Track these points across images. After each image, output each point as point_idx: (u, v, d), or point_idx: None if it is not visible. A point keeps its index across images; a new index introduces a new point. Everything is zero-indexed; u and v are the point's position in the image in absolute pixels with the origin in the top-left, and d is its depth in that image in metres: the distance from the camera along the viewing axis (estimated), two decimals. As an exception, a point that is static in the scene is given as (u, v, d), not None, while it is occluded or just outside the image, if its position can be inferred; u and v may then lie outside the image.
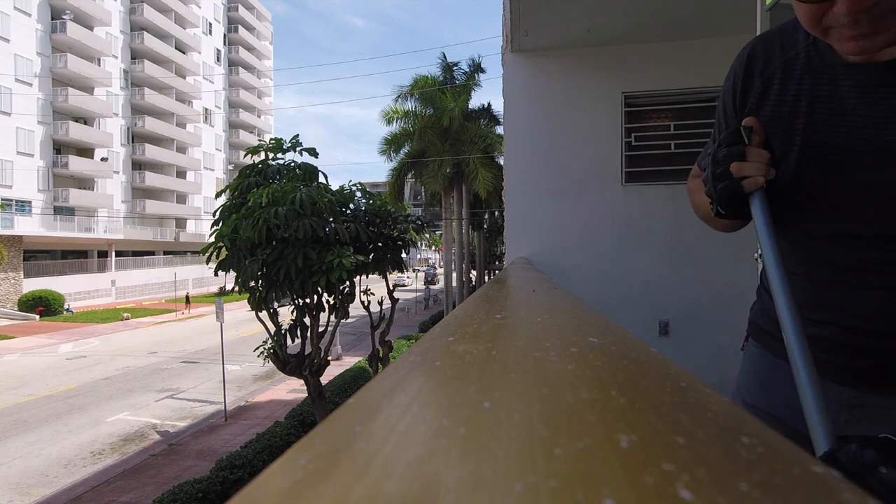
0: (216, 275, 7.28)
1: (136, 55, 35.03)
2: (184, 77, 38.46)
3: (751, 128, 0.75)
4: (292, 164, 7.45)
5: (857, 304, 0.77)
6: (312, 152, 7.56)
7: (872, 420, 0.79)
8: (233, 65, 46.22)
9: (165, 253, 36.81)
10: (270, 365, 8.07)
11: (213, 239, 6.71)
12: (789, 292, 0.71)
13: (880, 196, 0.70)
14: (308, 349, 7.51)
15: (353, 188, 7.79)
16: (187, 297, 28.79)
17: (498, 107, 20.37)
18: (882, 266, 0.73)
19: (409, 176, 20.54)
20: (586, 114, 3.31)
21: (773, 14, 1.61)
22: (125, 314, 25.33)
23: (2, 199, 25.04)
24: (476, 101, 21.57)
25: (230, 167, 43.82)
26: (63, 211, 28.78)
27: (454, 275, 21.70)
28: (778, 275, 0.73)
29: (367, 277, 7.92)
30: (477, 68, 20.25)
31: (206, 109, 41.59)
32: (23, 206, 26.78)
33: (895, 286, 0.72)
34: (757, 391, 0.98)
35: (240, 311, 22.33)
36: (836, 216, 0.76)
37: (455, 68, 20.50)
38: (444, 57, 20.83)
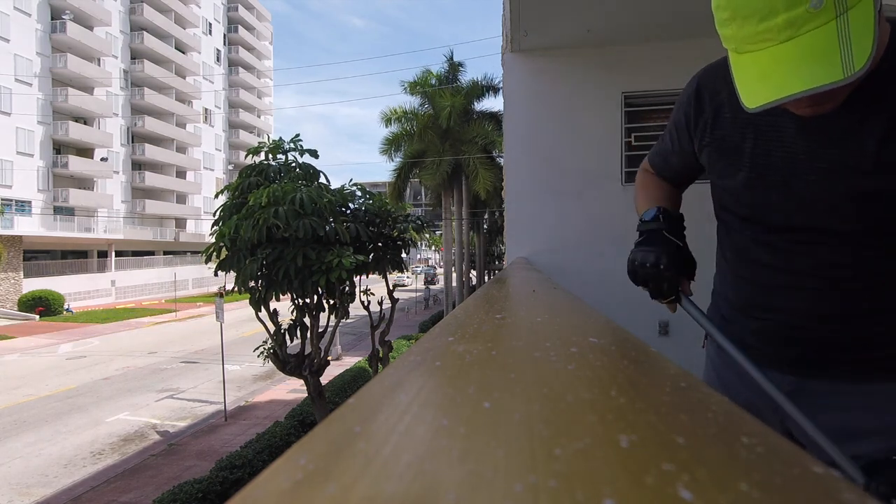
0: (216, 275, 7.28)
1: (136, 55, 35.01)
2: (184, 77, 38.43)
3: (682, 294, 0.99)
4: (293, 164, 7.45)
5: (787, 302, 0.91)
6: (313, 154, 7.57)
7: (809, 402, 0.89)
8: (233, 65, 46.19)
9: (165, 253, 36.78)
10: (270, 365, 8.06)
11: (213, 239, 6.71)
12: (732, 340, 0.90)
13: (815, 208, 0.82)
14: (308, 349, 7.51)
15: (353, 188, 7.80)
16: (220, 293, 28.41)
17: (498, 108, 20.33)
18: (808, 271, 0.87)
19: (412, 175, 20.50)
20: (586, 114, 3.31)
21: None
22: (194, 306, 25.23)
23: (2, 199, 25.03)
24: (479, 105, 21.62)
25: (230, 167, 43.79)
26: (63, 211, 28.77)
27: (454, 275, 21.69)
28: (722, 337, 0.90)
29: (367, 277, 7.92)
30: (490, 87, 19.87)
31: (206, 109, 41.56)
32: (23, 206, 26.76)
33: (817, 287, 0.86)
34: (716, 384, 1.08)
35: (240, 311, 22.32)
36: (773, 228, 0.89)
37: (461, 68, 20.44)
38: (451, 56, 20.68)
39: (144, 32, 34.64)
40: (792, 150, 0.82)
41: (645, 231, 1.01)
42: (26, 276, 26.50)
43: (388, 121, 19.70)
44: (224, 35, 45.06)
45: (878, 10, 0.62)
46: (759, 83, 0.68)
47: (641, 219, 1.03)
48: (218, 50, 43.85)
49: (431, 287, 36.45)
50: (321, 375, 7.76)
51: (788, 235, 0.88)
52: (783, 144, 0.83)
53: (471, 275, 24.97)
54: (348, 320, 8.81)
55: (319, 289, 6.80)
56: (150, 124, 34.41)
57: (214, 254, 6.67)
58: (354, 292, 7.56)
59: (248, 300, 6.95)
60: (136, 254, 34.29)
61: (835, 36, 0.62)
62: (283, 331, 7.32)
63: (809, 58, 0.63)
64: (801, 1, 0.61)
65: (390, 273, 8.51)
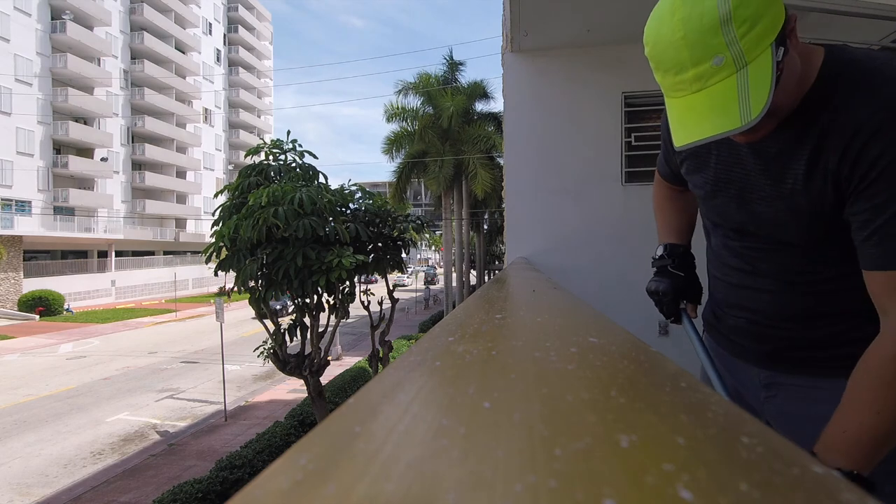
0: (216, 275, 7.29)
1: (136, 55, 34.99)
2: (184, 77, 38.41)
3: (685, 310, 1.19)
4: (292, 165, 7.46)
5: (753, 303, 1.00)
6: (311, 155, 7.59)
7: (785, 395, 1.00)
8: (233, 65, 46.17)
9: (165, 253, 36.77)
10: (270, 365, 8.07)
11: (213, 239, 6.71)
12: (710, 352, 1.11)
13: (766, 222, 0.90)
14: (308, 349, 7.51)
15: (353, 188, 7.80)
16: (228, 292, 28.30)
17: (495, 110, 20.42)
18: (769, 274, 0.95)
19: (412, 176, 20.53)
20: (586, 114, 3.31)
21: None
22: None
23: (2, 199, 25.01)
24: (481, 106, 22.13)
25: (230, 167, 43.77)
26: (63, 211, 28.75)
27: (454, 275, 21.68)
28: (705, 354, 1.10)
29: (374, 282, 7.92)
30: (484, 94, 20.11)
31: (206, 109, 41.54)
32: (23, 206, 26.75)
33: (778, 289, 0.95)
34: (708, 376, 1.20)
35: (240, 311, 22.33)
36: (735, 234, 0.99)
37: (460, 67, 20.54)
38: (451, 56, 20.86)
39: (144, 32, 34.62)
40: (745, 169, 0.90)
41: (656, 266, 1.24)
42: (26, 276, 26.49)
43: (391, 116, 19.76)
44: (224, 35, 45.03)
45: (776, 61, 0.69)
46: (682, 125, 0.76)
47: (654, 256, 1.26)
48: (218, 50, 43.83)
49: (431, 287, 36.45)
50: (321, 375, 7.76)
51: (750, 242, 0.97)
52: (739, 162, 0.91)
53: (471, 275, 24.97)
54: (348, 320, 8.80)
55: (319, 288, 6.80)
56: (150, 124, 34.39)
57: (214, 254, 6.67)
58: (354, 292, 7.56)
59: (248, 300, 6.96)
60: (136, 254, 34.27)
61: (734, 88, 0.69)
62: (283, 331, 7.32)
63: (713, 107, 0.72)
64: (705, 58, 0.69)
65: (390, 273, 8.51)
